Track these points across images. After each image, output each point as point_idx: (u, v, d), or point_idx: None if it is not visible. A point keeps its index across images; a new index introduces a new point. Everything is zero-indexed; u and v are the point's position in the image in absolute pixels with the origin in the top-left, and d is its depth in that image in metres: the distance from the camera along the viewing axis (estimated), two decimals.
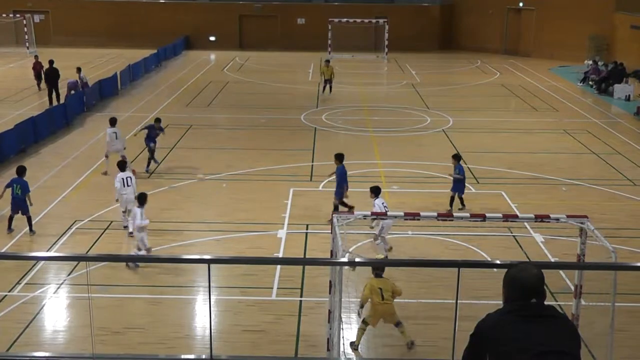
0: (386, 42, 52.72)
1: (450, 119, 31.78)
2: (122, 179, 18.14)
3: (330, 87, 36.98)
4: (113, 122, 23.59)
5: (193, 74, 44.30)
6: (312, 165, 24.42)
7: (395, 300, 12.66)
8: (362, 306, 12.77)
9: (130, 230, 17.19)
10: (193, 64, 48.87)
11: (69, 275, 15.57)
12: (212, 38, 57.70)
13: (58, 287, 15.11)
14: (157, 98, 36.13)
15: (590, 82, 41.18)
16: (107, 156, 23.07)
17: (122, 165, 19.11)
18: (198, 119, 31.39)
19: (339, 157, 19.38)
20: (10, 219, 18.06)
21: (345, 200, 18.96)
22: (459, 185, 19.94)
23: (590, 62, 43.75)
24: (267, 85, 40.85)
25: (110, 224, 18.54)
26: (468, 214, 13.09)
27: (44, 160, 24.82)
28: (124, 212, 18.20)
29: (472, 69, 49.11)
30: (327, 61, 37.87)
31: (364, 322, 12.74)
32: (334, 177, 19.24)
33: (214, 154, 25.69)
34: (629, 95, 37.06)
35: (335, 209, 18.53)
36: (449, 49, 58.15)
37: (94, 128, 29.53)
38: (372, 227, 17.73)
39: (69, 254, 16.76)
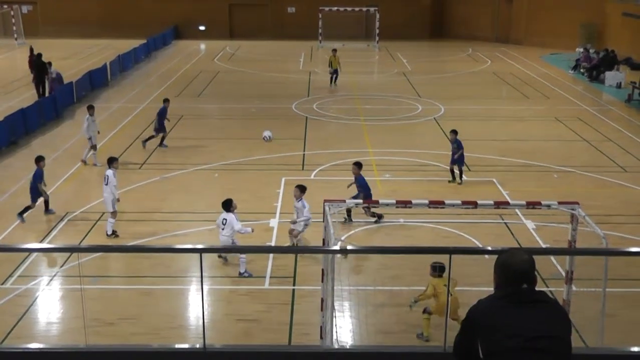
0: (377, 31, 52.68)
1: (441, 107, 31.80)
2: (105, 176, 17.81)
3: (336, 79, 36.87)
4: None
5: (183, 64, 44.18)
6: (304, 154, 24.41)
7: (388, 287, 12.68)
8: (416, 301, 12.66)
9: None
10: (183, 54, 48.74)
11: (61, 267, 15.56)
12: (202, 27, 57.51)
13: (51, 279, 15.09)
14: (147, 88, 36.03)
15: (581, 70, 41.23)
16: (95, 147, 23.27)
17: (109, 160, 18.42)
18: (189, 109, 31.31)
19: (358, 166, 18.63)
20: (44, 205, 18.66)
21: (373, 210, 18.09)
22: (459, 159, 21.32)
23: (582, 49, 43.80)
24: (257, 75, 40.77)
25: (102, 216, 18.50)
26: (459, 201, 13.10)
27: (35, 152, 24.62)
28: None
29: (463, 57, 49.10)
30: (335, 50, 37.68)
31: (429, 313, 12.55)
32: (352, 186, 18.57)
33: (205, 144, 25.64)
34: (620, 83, 37.12)
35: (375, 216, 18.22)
36: (440, 37, 58.13)
37: (84, 119, 29.37)
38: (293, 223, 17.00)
39: (61, 245, 16.74)
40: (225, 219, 15.31)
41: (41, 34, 54.70)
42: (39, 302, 14.32)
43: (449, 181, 21.29)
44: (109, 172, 17.67)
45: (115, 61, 39.54)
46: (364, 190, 18.02)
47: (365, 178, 18.55)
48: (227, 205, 15.63)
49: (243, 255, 15.00)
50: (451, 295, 12.26)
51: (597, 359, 6.32)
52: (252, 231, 15.66)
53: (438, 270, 12.47)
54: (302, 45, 52.01)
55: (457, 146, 21.30)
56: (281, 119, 29.66)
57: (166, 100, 25.70)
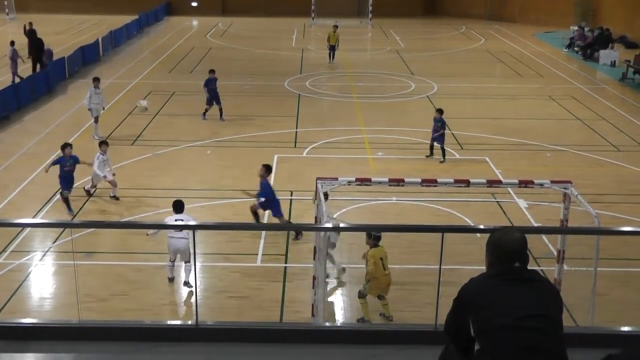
0: (370, 8, 52.45)
1: (434, 85, 31.75)
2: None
3: (334, 55, 36.78)
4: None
5: (175, 40, 43.94)
6: (296, 131, 24.38)
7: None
8: (368, 281, 12.49)
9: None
10: (175, 30, 48.47)
11: (54, 242, 15.54)
12: (194, 4, 57.18)
13: (44, 255, 15.09)
14: (139, 64, 35.85)
15: (575, 48, 41.19)
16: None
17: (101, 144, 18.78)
18: (181, 85, 31.20)
19: (267, 169, 16.76)
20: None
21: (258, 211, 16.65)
22: (440, 137, 21.38)
23: (576, 27, 43.69)
24: (250, 52, 40.60)
25: (94, 191, 18.47)
26: (452, 180, 13.12)
27: (28, 127, 24.64)
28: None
29: (456, 34, 48.97)
30: (336, 26, 37.54)
31: (363, 296, 12.57)
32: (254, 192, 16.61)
33: (197, 120, 25.56)
34: (615, 61, 37.10)
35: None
36: (433, 14, 57.92)
37: (76, 95, 29.27)
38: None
39: (54, 221, 16.72)
40: (181, 220, 13.91)
41: (32, 9, 54.18)
42: (32, 278, 14.32)
43: (427, 156, 21.57)
44: (98, 155, 18.14)
45: (108, 37, 39.31)
46: (265, 195, 16.14)
47: (357, 156, 18.53)
48: (180, 207, 14.34)
49: (189, 264, 13.72)
50: (386, 271, 12.36)
51: (588, 337, 6.35)
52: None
53: (373, 238, 12.40)
54: (294, 22, 51.77)
55: (442, 125, 21.47)
56: (274, 96, 29.58)
57: (211, 71, 25.77)
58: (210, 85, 25.35)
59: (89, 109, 23.25)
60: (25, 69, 32.43)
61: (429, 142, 21.72)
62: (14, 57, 30.71)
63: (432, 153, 21.62)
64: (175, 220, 13.86)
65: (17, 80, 29.85)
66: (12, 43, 31.31)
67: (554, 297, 4.58)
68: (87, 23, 49.96)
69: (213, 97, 25.33)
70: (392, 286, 13.03)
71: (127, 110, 26.33)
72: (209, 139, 23.28)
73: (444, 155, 21.37)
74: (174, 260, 13.93)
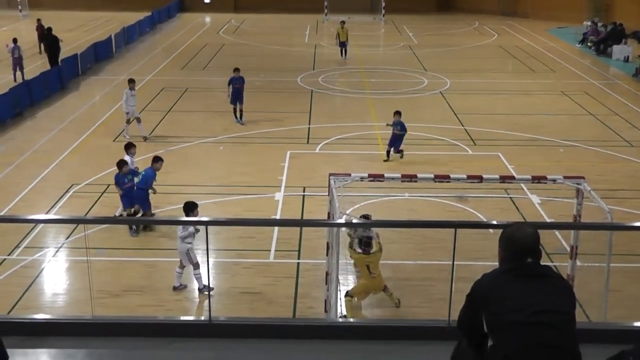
0: (383, 4, 52.32)
1: (447, 81, 31.68)
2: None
3: (346, 51, 36.70)
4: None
5: (188, 37, 44.00)
6: (309, 127, 24.38)
7: (391, 261, 12.71)
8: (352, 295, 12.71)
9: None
10: (188, 27, 48.53)
11: (67, 238, 15.61)
12: (206, 0, 57.20)
13: (57, 251, 15.16)
14: (152, 61, 35.94)
15: (588, 43, 40.98)
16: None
17: (126, 146, 18.10)
18: (194, 81, 31.25)
19: (156, 160, 16.72)
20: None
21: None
22: (399, 141, 20.91)
23: (589, 23, 43.45)
24: (263, 48, 40.61)
25: (107, 188, 18.52)
26: (465, 176, 13.09)
27: (40, 124, 24.75)
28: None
29: (469, 30, 48.82)
30: (343, 22, 37.51)
31: (349, 295, 12.61)
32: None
33: (210, 117, 25.62)
34: (628, 57, 36.90)
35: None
36: (446, 10, 57.76)
37: (89, 92, 29.43)
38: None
39: (68, 216, 16.77)
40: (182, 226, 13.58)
41: (45, 6, 54.39)
42: (45, 274, 14.38)
43: (384, 160, 20.80)
44: (127, 158, 17.36)
45: (120, 33, 39.42)
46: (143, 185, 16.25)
47: (370, 152, 18.50)
48: (187, 210, 13.70)
49: (197, 271, 13.57)
50: (374, 275, 12.39)
51: (601, 333, 6.34)
52: (198, 231, 13.62)
53: (364, 245, 12.43)
54: (307, 18, 51.74)
55: (401, 128, 20.74)
56: (286, 92, 29.59)
57: (236, 70, 25.11)
58: (235, 84, 24.64)
59: (127, 112, 22.77)
60: (35, 68, 32.58)
61: (388, 147, 20.97)
62: (15, 54, 30.67)
63: (388, 158, 20.84)
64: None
65: (18, 77, 29.88)
66: (15, 40, 31.23)
67: (567, 293, 4.56)
68: (100, 20, 50.10)
69: (236, 96, 24.55)
70: (405, 282, 13.06)
71: (140, 106, 26.36)
72: (221, 135, 23.31)
73: (388, 155, 20.83)
74: (182, 267, 13.72)
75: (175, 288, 13.72)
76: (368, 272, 12.47)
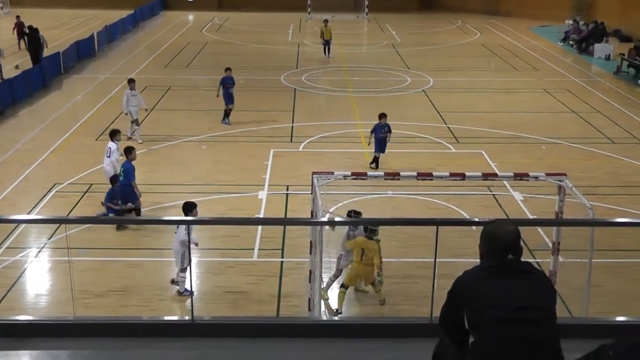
0: (366, 2, 52.29)
1: (430, 79, 31.75)
2: (107, 148, 17.78)
3: (329, 49, 36.78)
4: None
5: (171, 35, 43.85)
6: (292, 126, 24.37)
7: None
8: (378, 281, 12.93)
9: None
10: (171, 25, 48.37)
11: (49, 238, 15.53)
12: None
13: (39, 251, 15.07)
14: (135, 59, 35.80)
15: (570, 42, 41.20)
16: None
17: (111, 133, 18.20)
18: (177, 80, 31.17)
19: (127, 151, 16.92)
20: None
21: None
22: (384, 145, 20.11)
23: (571, 21, 43.70)
24: (246, 46, 40.54)
25: (90, 187, 18.45)
26: (447, 173, 13.14)
27: (22, 122, 24.61)
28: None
29: (452, 29, 48.94)
30: (326, 21, 37.55)
31: (343, 286, 12.85)
32: None
33: (193, 115, 25.55)
34: (609, 55, 37.13)
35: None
36: (429, 9, 57.84)
37: (71, 90, 29.29)
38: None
39: (50, 216, 16.69)
40: (110, 148, 13.76)
41: (27, 3, 53.95)
42: (27, 274, 14.31)
43: (372, 168, 20.00)
44: (112, 144, 17.63)
45: (103, 32, 39.21)
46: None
47: (353, 150, 18.52)
48: (186, 210, 13.44)
49: (182, 274, 13.44)
50: (364, 262, 12.54)
51: (583, 328, 6.38)
52: (196, 245, 13.63)
53: (369, 231, 12.71)
54: (290, 16, 51.67)
55: (388, 129, 20.10)
56: (270, 90, 29.56)
57: (227, 69, 24.77)
58: (227, 84, 24.34)
59: (127, 113, 22.41)
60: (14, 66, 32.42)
61: (376, 154, 20.13)
62: None
63: (377, 167, 19.99)
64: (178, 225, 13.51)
65: None
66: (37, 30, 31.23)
67: (548, 289, 4.59)
68: (82, 17, 49.83)
69: (226, 97, 24.30)
70: (388, 279, 13.08)
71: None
72: (205, 133, 23.26)
73: (376, 162, 20.12)
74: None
75: (181, 293, 13.50)
76: (360, 257, 12.55)
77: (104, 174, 17.61)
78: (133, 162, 16.70)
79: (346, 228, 13.54)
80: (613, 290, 13.60)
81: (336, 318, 11.86)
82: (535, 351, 4.34)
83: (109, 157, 17.55)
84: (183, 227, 12.82)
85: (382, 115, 20.19)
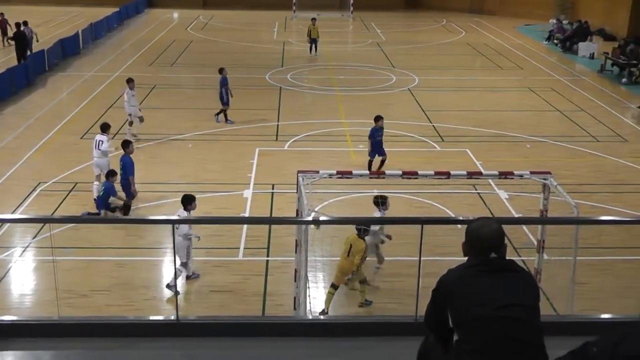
0: (351, 1, 52.34)
1: (415, 78, 31.79)
2: (95, 140, 17.91)
3: (316, 47, 36.80)
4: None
5: (156, 33, 43.71)
6: (278, 124, 24.35)
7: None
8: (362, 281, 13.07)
9: None
10: (156, 23, 48.21)
11: (34, 238, 15.45)
12: None
13: (23, 250, 15.00)
14: (120, 57, 35.67)
15: (555, 41, 41.39)
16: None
17: (103, 127, 18.37)
18: (162, 78, 31.08)
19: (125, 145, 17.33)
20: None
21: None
22: (382, 148, 19.71)
23: (555, 20, 43.90)
24: (231, 44, 40.46)
25: (75, 186, 18.38)
26: (432, 172, 13.16)
27: (6, 121, 24.46)
28: (96, 178, 17.85)
29: (437, 27, 49.02)
30: (314, 19, 37.57)
31: (333, 286, 12.91)
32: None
33: (178, 113, 25.49)
34: (593, 53, 37.33)
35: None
36: (414, 7, 57.91)
37: (56, 88, 29.14)
38: None
39: (34, 216, 16.61)
40: (102, 141, 13.94)
41: (12, 1, 53.62)
42: (11, 274, 14.23)
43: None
44: (102, 137, 17.83)
45: (88, 29, 39.06)
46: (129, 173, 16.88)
47: (339, 149, 18.51)
48: (185, 202, 13.89)
49: (182, 268, 13.64)
50: (350, 261, 12.69)
51: (568, 326, 6.41)
52: (198, 239, 14.02)
53: (362, 230, 12.83)
54: (276, 15, 51.63)
55: (382, 133, 19.82)
56: (255, 89, 29.51)
57: (221, 70, 24.42)
58: (225, 84, 24.15)
59: (129, 114, 22.27)
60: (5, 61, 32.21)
61: (371, 158, 19.63)
62: None
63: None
64: (178, 216, 13.64)
65: None
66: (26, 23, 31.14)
67: (531, 286, 4.62)
68: (67, 15, 49.58)
69: (220, 96, 24.08)
70: (373, 278, 13.10)
71: (108, 103, 26.21)
72: (190, 132, 23.20)
73: (374, 165, 19.81)
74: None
75: (188, 277, 13.79)
76: (347, 254, 12.70)
77: (95, 167, 17.77)
78: (131, 155, 16.99)
79: (378, 214, 13.76)
80: (597, 287, 13.69)
81: (322, 317, 11.87)
82: (519, 348, 4.36)
83: (98, 149, 17.66)
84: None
85: (379, 118, 19.83)
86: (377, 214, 13.84)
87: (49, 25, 44.98)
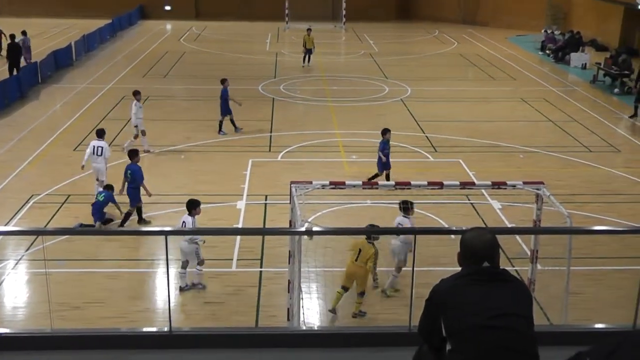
0: (344, 12, 52.50)
1: (408, 89, 31.86)
2: (93, 146, 18.13)
3: (310, 58, 36.93)
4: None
5: (149, 44, 43.75)
6: (271, 135, 24.36)
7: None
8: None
9: None
10: (149, 34, 48.25)
11: (27, 250, 15.39)
12: (167, 7, 56.96)
13: (16, 263, 14.93)
14: (113, 69, 35.66)
15: (547, 51, 41.55)
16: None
17: (99, 132, 18.77)
18: (155, 89, 31.06)
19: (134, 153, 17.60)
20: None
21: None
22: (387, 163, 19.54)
23: (548, 31, 44.09)
24: (224, 56, 40.51)
25: (67, 198, 18.33)
26: (425, 182, 13.17)
27: None
28: (97, 180, 18.19)
29: (429, 38, 49.18)
30: (309, 30, 37.70)
31: (343, 288, 12.97)
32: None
33: (172, 125, 25.47)
34: (585, 64, 37.49)
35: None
36: (407, 18, 58.11)
37: (49, 100, 29.10)
38: None
39: (27, 228, 16.56)
40: (185, 222, 14.12)
41: (4, 13, 53.64)
42: (4, 286, 14.17)
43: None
44: (103, 142, 18.23)
45: (80, 41, 39.06)
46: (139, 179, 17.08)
47: (332, 160, 18.53)
48: (190, 207, 14.25)
49: (201, 267, 14.02)
50: (357, 264, 12.81)
51: (560, 336, 6.40)
52: (204, 242, 14.32)
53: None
54: (268, 26, 51.74)
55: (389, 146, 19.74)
56: (248, 100, 29.47)
57: (224, 81, 24.66)
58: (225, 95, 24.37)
59: (136, 125, 22.13)
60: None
61: (384, 172, 19.45)
62: None
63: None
64: (182, 222, 14.13)
65: None
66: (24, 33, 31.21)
67: (524, 296, 4.61)
68: (60, 27, 49.60)
69: (222, 107, 24.27)
70: (367, 289, 13.08)
71: (101, 115, 26.20)
72: (183, 143, 23.19)
73: (388, 178, 19.51)
74: (185, 267, 13.96)
75: (182, 289, 13.88)
76: (355, 258, 12.79)
77: (97, 172, 18.13)
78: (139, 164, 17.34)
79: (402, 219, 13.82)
80: (591, 297, 13.69)
81: (316, 327, 11.84)
82: (513, 358, 4.35)
83: (100, 155, 18.04)
84: (189, 226, 13.82)
85: (386, 131, 19.69)
86: (400, 218, 13.83)
87: (42, 37, 44.96)
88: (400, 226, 13.77)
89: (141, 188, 16.98)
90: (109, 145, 19.08)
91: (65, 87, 31.34)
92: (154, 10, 56.33)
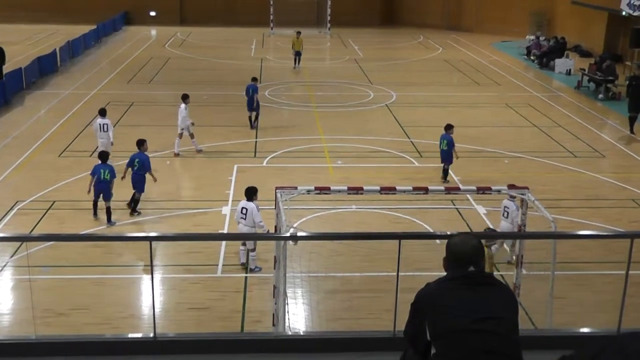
0: (328, 17, 52.62)
1: (393, 94, 31.94)
2: (99, 123, 20.78)
3: (299, 60, 37.18)
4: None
5: (134, 50, 43.66)
6: (256, 141, 24.35)
7: (339, 274, 12.78)
8: None
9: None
10: (134, 40, 48.15)
11: (11, 257, 15.30)
12: (152, 13, 56.88)
13: (1, 270, 14.84)
14: (97, 75, 35.55)
15: (532, 57, 41.77)
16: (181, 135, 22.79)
17: (102, 111, 21.30)
18: (140, 95, 30.99)
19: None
20: (94, 204, 17.46)
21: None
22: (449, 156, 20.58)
23: (532, 37, 44.33)
24: (209, 61, 40.48)
25: (52, 204, 18.24)
26: (411, 187, 13.21)
27: None
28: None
29: (414, 44, 49.33)
30: (299, 32, 37.83)
31: None
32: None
33: (156, 131, 25.38)
34: (570, 70, 37.70)
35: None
36: (392, 24, 58.29)
37: (34, 106, 28.96)
38: None
39: (11, 234, 16.46)
40: (246, 209, 14.67)
41: None
42: None
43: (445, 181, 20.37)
44: (107, 120, 21.01)
45: (65, 47, 38.91)
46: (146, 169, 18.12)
47: (317, 165, 18.50)
48: (250, 194, 14.95)
49: (253, 253, 14.85)
50: None
51: (545, 340, 6.43)
52: (268, 231, 14.71)
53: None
54: (253, 32, 51.75)
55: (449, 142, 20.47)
56: (233, 105, 29.48)
57: (254, 79, 26.67)
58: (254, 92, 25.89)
59: (182, 129, 22.64)
60: None
61: (444, 165, 20.56)
62: None
63: (445, 177, 20.50)
64: (242, 208, 14.85)
65: None
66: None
67: (510, 300, 4.64)
68: (44, 33, 49.40)
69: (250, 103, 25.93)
70: (351, 294, 13.10)
71: (86, 121, 26.08)
72: (168, 149, 23.12)
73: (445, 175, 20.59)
74: (244, 244, 14.97)
75: (243, 265, 14.94)
76: None
77: (103, 147, 19.91)
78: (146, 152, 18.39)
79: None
80: (576, 301, 13.75)
81: (301, 332, 11.83)
82: None
83: (106, 131, 20.68)
84: (254, 212, 14.54)
85: (450, 126, 20.94)
86: (506, 202, 15.12)
87: (26, 44, 44.79)
88: (507, 209, 14.97)
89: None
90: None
91: (50, 93, 31.22)
92: (139, 16, 56.25)
